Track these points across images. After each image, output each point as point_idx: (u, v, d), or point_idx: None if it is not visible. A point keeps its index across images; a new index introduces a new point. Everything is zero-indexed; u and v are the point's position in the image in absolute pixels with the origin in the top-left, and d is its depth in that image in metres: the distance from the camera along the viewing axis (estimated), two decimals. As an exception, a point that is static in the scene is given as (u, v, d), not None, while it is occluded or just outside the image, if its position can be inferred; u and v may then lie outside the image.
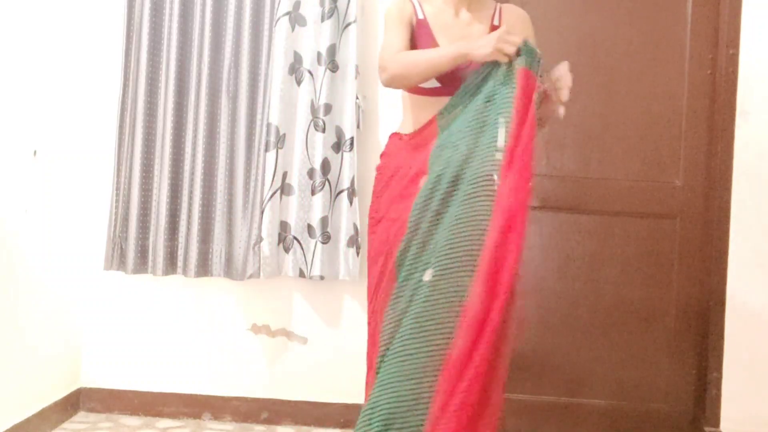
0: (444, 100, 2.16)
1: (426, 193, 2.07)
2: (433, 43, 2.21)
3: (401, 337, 1.98)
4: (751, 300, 2.96)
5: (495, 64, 2.04)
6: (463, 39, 2.19)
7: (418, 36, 2.23)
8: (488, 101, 2.05)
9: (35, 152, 2.74)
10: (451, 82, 2.16)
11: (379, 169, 2.33)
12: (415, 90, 2.24)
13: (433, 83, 2.18)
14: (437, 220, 2.04)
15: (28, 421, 2.73)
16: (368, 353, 2.26)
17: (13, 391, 2.67)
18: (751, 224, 2.96)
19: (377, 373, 2.02)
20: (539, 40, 3.08)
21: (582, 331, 3.06)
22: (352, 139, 2.94)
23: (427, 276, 1.99)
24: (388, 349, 2.01)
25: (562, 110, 2.06)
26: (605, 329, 3.06)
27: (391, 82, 2.24)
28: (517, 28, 2.23)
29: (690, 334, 3.04)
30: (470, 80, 2.10)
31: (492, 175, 1.98)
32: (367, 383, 2.20)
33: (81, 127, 3.04)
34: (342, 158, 2.96)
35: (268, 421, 3.09)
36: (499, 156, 2.00)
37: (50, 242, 2.87)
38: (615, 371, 3.06)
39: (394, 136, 2.34)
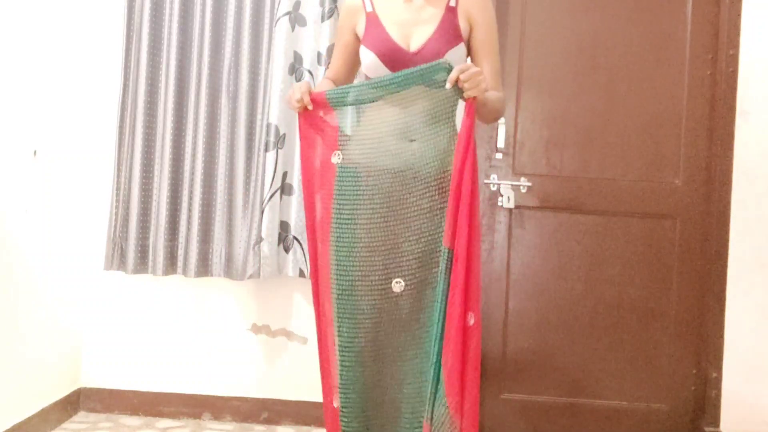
0: None
1: (354, 182, 2.10)
2: (382, 35, 2.17)
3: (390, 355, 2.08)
4: (751, 300, 2.96)
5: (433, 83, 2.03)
6: (415, 25, 2.16)
7: (369, 30, 2.20)
8: (428, 112, 2.06)
9: (35, 152, 2.74)
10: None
11: None
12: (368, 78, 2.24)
13: (386, 71, 2.15)
14: (374, 214, 2.08)
15: (28, 421, 2.73)
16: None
17: (13, 391, 2.67)
18: (751, 224, 2.96)
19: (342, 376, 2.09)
20: (540, 40, 3.10)
21: (582, 331, 3.06)
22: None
23: (397, 288, 2.06)
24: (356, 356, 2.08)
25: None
26: (605, 329, 3.07)
27: None
28: (474, 11, 2.19)
29: (690, 334, 3.04)
30: (399, 78, 2.06)
31: (444, 188, 2.04)
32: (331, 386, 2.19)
33: (81, 127, 3.04)
34: (342, 158, 2.96)
35: (268, 421, 3.09)
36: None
37: (50, 242, 2.87)
38: (615, 371, 3.06)
39: None
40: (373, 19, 2.20)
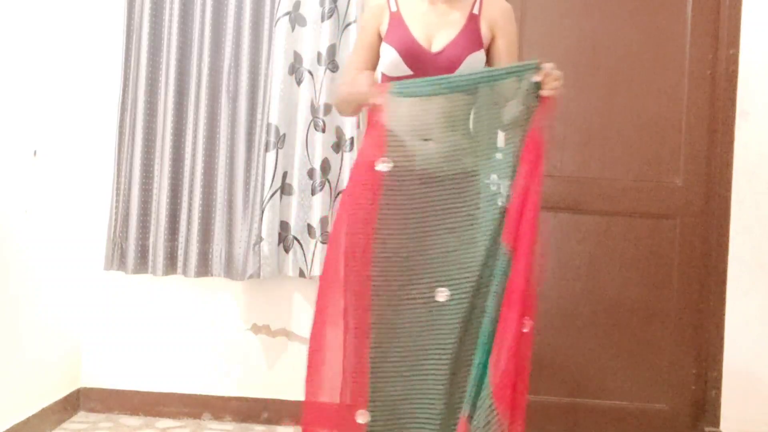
0: None
1: (403, 188, 2.07)
2: (405, 33, 2.18)
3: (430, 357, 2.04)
4: (751, 300, 2.96)
5: (514, 80, 2.04)
6: (439, 28, 2.18)
7: (392, 28, 2.21)
8: (495, 115, 2.06)
9: (35, 152, 2.74)
10: (424, 72, 2.14)
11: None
12: (391, 80, 2.20)
13: (406, 71, 2.17)
14: (423, 223, 2.05)
15: (28, 421, 2.73)
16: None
17: (13, 391, 2.66)
18: (751, 224, 2.96)
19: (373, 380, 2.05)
20: (540, 40, 3.10)
21: (582, 331, 3.06)
22: (352, 139, 2.94)
23: (442, 297, 2.03)
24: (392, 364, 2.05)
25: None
26: (605, 329, 3.06)
27: (339, 113, 2.45)
28: (497, 20, 2.23)
29: (690, 334, 3.04)
30: (467, 80, 2.08)
31: (496, 198, 2.05)
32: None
33: (81, 127, 3.04)
34: (342, 158, 2.96)
35: (268, 421, 3.09)
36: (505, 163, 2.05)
37: (50, 242, 2.86)
38: (615, 371, 3.06)
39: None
40: (397, 18, 2.22)
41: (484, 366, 1.97)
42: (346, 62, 2.35)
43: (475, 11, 2.22)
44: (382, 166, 2.06)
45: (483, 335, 1.99)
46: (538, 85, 2.01)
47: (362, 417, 2.05)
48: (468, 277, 2.03)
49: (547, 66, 2.01)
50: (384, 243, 2.07)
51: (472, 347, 2.03)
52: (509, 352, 1.93)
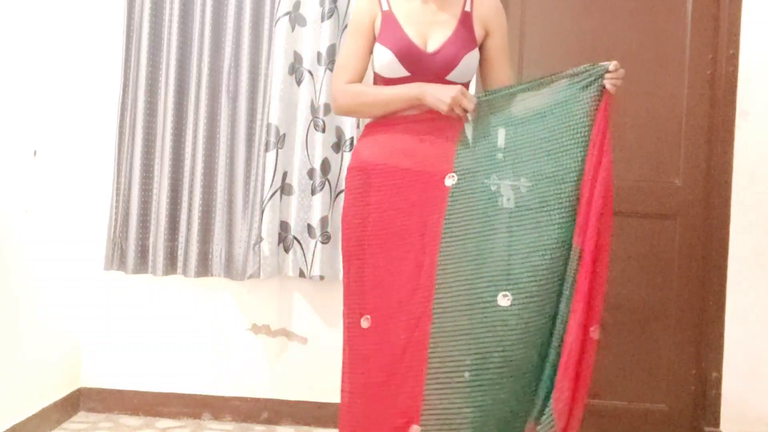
0: None
1: (468, 198, 2.06)
2: (400, 34, 2.16)
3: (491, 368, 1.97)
4: (751, 300, 2.96)
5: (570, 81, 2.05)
6: (433, 27, 2.17)
7: (385, 28, 2.19)
8: (561, 120, 2.04)
9: (35, 152, 2.74)
10: (421, 73, 2.13)
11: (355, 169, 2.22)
12: (386, 81, 2.19)
13: (402, 72, 2.15)
14: (489, 231, 2.03)
15: (28, 421, 2.73)
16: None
17: (13, 391, 2.66)
18: (751, 224, 2.96)
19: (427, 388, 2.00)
20: (540, 40, 3.10)
21: (582, 331, 3.06)
22: (352, 139, 2.94)
23: (504, 301, 1.97)
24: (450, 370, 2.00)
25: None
26: (605, 329, 3.06)
27: (341, 114, 2.34)
28: (490, 17, 2.22)
29: (690, 334, 3.04)
30: (542, 87, 2.08)
31: (567, 200, 2.01)
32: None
33: (81, 127, 3.04)
34: (342, 158, 2.96)
35: (268, 421, 3.09)
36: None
37: (50, 242, 2.87)
38: (615, 371, 3.06)
39: (374, 126, 2.24)
40: (389, 18, 2.20)
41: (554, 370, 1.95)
42: (337, 61, 2.30)
43: (468, 9, 2.20)
44: (449, 182, 2.09)
45: (556, 339, 1.96)
46: (601, 79, 2.01)
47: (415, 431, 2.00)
48: (533, 281, 1.97)
49: (615, 63, 2.02)
50: (447, 252, 2.03)
51: (534, 353, 1.98)
52: (569, 360, 1.91)
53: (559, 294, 1.96)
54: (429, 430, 1.99)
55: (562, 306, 1.95)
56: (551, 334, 1.97)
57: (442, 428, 1.98)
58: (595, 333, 1.93)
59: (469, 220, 2.05)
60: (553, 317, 1.97)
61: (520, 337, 1.96)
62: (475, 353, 1.97)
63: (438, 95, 2.06)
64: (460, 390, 1.98)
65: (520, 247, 2.00)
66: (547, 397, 1.95)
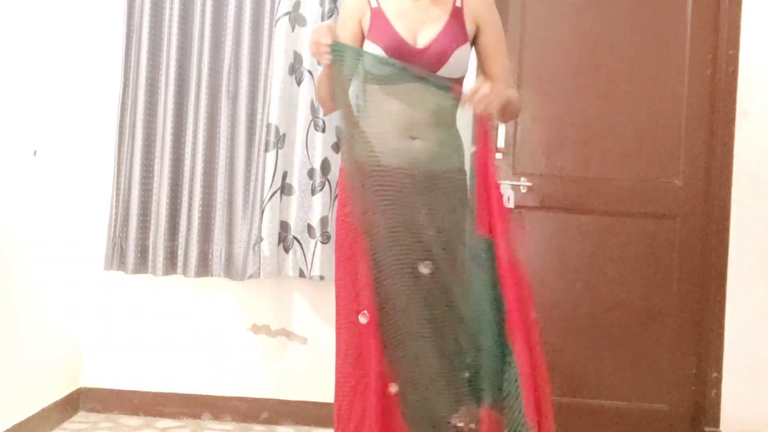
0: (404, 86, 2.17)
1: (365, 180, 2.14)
2: (389, 30, 2.16)
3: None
4: (751, 300, 2.96)
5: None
6: (422, 23, 2.16)
7: (374, 25, 2.19)
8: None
9: (35, 152, 2.74)
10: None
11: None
12: (371, 76, 2.21)
13: None
14: (390, 208, 2.12)
15: (28, 421, 2.73)
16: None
17: (13, 391, 2.66)
18: (751, 224, 2.96)
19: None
20: (540, 40, 3.10)
21: (582, 331, 3.06)
22: (352, 139, 2.94)
23: (426, 269, 2.10)
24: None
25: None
26: (605, 329, 3.06)
27: (323, 107, 2.46)
28: (481, 12, 2.22)
29: (690, 334, 3.04)
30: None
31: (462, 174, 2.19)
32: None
33: (81, 127, 3.04)
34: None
35: (268, 421, 3.09)
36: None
37: (50, 242, 2.87)
38: (615, 371, 3.06)
39: None
40: (378, 14, 2.19)
41: (500, 357, 2.08)
42: None
43: (458, 4, 2.20)
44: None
45: (494, 321, 2.06)
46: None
47: (392, 387, 2.11)
48: (444, 256, 2.10)
49: (472, 90, 2.01)
50: (374, 226, 2.12)
51: (457, 316, 2.11)
52: (522, 341, 2.04)
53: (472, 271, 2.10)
54: (402, 385, 2.11)
55: (485, 287, 2.08)
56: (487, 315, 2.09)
57: (410, 382, 2.11)
58: (533, 313, 2.06)
59: (392, 198, 2.15)
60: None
61: (439, 301, 2.11)
62: (411, 314, 2.12)
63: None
64: (409, 348, 2.12)
65: (426, 225, 2.12)
66: (496, 385, 2.11)
